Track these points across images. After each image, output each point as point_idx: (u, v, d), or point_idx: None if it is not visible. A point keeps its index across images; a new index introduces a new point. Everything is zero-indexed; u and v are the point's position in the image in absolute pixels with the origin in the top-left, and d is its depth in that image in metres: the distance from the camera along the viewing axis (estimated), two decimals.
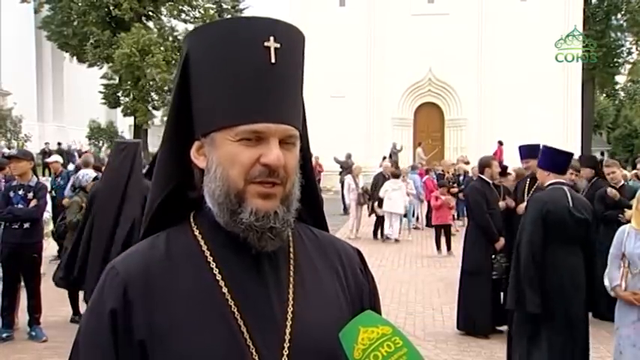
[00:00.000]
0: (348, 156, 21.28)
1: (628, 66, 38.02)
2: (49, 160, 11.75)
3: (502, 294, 7.11)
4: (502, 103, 27.60)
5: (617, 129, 49.46)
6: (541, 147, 5.37)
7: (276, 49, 1.12)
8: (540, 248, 4.56)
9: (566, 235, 4.61)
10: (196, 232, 1.20)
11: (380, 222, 14.26)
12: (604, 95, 50.69)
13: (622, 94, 52.48)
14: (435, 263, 11.33)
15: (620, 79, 45.48)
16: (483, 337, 6.79)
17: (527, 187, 6.99)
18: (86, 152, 21.47)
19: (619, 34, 35.90)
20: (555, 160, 4.93)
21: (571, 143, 27.17)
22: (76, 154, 25.43)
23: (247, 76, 1.12)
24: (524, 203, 6.76)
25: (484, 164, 7.20)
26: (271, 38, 1.12)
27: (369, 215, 14.55)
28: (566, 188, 4.77)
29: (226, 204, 1.13)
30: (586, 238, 4.69)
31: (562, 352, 4.57)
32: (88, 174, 7.52)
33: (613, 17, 34.90)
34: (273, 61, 1.12)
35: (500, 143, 24.09)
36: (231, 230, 1.14)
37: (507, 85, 27.34)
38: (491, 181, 7.12)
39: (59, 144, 28.32)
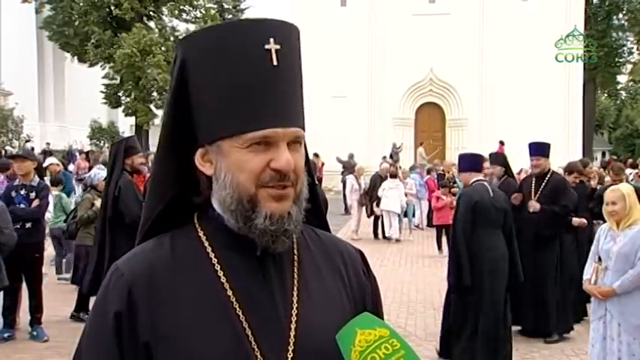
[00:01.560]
0: (351, 156, 21.25)
1: (629, 66, 37.98)
2: (45, 164, 11.94)
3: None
4: (503, 103, 27.55)
5: (619, 129, 49.42)
6: (457, 155, 6.40)
7: (277, 50, 1.11)
8: (470, 233, 5.58)
9: (490, 220, 5.64)
10: (200, 234, 1.20)
11: (378, 221, 14.29)
12: (605, 95, 50.63)
13: (623, 93, 52.44)
14: (436, 263, 11.31)
15: (622, 78, 45.46)
16: None
17: (533, 185, 6.92)
18: (88, 152, 21.49)
19: (620, 33, 35.86)
20: (472, 161, 6.06)
21: (572, 143, 27.17)
22: (77, 153, 25.41)
23: (250, 81, 1.10)
24: (533, 201, 6.77)
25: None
26: (271, 40, 1.11)
27: (368, 216, 14.56)
28: (486, 183, 5.89)
29: (239, 210, 1.12)
30: (505, 223, 5.72)
31: (486, 314, 5.50)
32: (99, 172, 7.57)
33: (614, 17, 34.86)
34: (275, 63, 1.11)
35: (502, 143, 24.05)
36: (244, 235, 1.14)
37: (508, 84, 27.28)
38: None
39: (27, 141, 28.17)
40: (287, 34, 1.15)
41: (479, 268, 5.52)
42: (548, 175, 6.94)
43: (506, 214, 5.77)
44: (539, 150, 6.97)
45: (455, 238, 5.72)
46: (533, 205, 6.82)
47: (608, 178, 9.69)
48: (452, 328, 5.81)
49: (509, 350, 5.67)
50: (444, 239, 12.14)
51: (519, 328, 6.96)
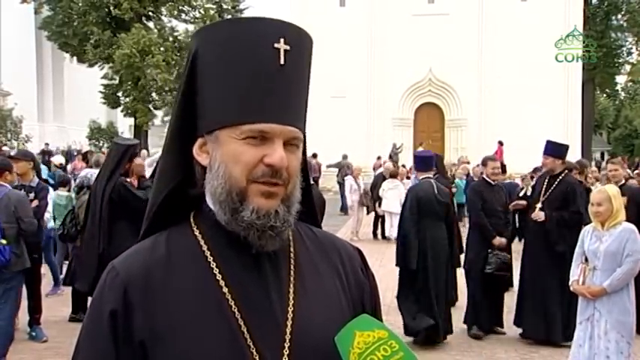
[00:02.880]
0: (344, 156, 21.24)
1: (628, 66, 37.99)
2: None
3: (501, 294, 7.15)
4: (502, 103, 27.57)
5: (618, 129, 49.50)
6: (413, 155, 7.20)
7: (285, 51, 1.13)
8: (416, 223, 6.40)
9: (434, 212, 6.43)
10: (196, 232, 1.20)
11: (378, 221, 14.29)
12: (604, 95, 50.67)
13: (622, 94, 52.49)
14: None
15: (621, 79, 45.47)
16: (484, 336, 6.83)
17: (545, 185, 6.78)
18: (86, 153, 21.45)
19: (619, 34, 35.87)
20: (425, 162, 6.91)
21: (571, 143, 26.79)
22: (75, 154, 25.43)
23: (255, 76, 1.12)
24: (537, 210, 6.66)
25: (483, 163, 7.34)
26: (281, 40, 1.13)
27: (367, 214, 14.56)
28: (432, 181, 6.65)
29: (228, 202, 1.13)
30: (447, 215, 6.56)
31: (429, 296, 6.34)
32: (94, 173, 7.51)
33: (613, 17, 34.86)
34: (282, 62, 1.12)
35: (501, 143, 24.09)
36: (232, 229, 1.14)
37: (507, 85, 27.30)
38: (493, 181, 7.07)
39: (27, 141, 28.23)
40: (298, 37, 1.17)
41: (423, 254, 6.36)
42: (560, 177, 6.74)
43: (448, 207, 6.65)
44: (551, 150, 6.84)
45: (404, 225, 6.54)
46: (537, 215, 6.65)
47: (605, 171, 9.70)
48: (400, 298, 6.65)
49: (442, 319, 6.45)
50: None
51: (520, 330, 6.92)
